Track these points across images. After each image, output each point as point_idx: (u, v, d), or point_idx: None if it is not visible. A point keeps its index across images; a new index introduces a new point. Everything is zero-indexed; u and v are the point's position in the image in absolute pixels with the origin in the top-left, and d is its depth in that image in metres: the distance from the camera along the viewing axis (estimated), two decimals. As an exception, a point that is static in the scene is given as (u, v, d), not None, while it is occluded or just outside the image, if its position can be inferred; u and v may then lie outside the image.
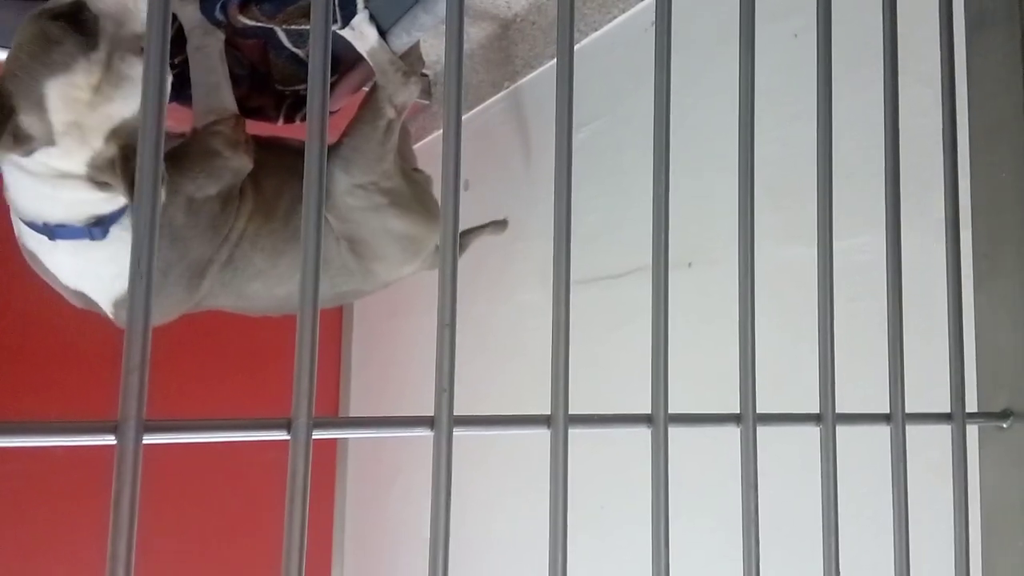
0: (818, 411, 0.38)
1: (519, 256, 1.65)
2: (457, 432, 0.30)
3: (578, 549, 1.34)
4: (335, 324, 2.41)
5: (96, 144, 0.97)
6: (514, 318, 1.65)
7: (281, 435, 0.27)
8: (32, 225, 1.03)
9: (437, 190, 1.42)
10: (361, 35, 1.20)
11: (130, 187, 1.01)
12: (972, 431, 0.45)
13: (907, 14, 0.60)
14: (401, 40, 1.31)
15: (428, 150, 2.06)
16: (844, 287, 0.92)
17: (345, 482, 2.37)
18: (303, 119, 1.51)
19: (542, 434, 0.33)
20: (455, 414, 0.31)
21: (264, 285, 1.22)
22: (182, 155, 1.12)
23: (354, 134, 1.23)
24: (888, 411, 0.40)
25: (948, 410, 0.43)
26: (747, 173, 0.40)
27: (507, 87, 1.74)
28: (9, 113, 0.91)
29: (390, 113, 1.24)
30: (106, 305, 1.12)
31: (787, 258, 1.05)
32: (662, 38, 0.40)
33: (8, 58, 0.94)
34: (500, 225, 1.63)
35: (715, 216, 1.17)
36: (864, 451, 0.73)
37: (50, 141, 0.94)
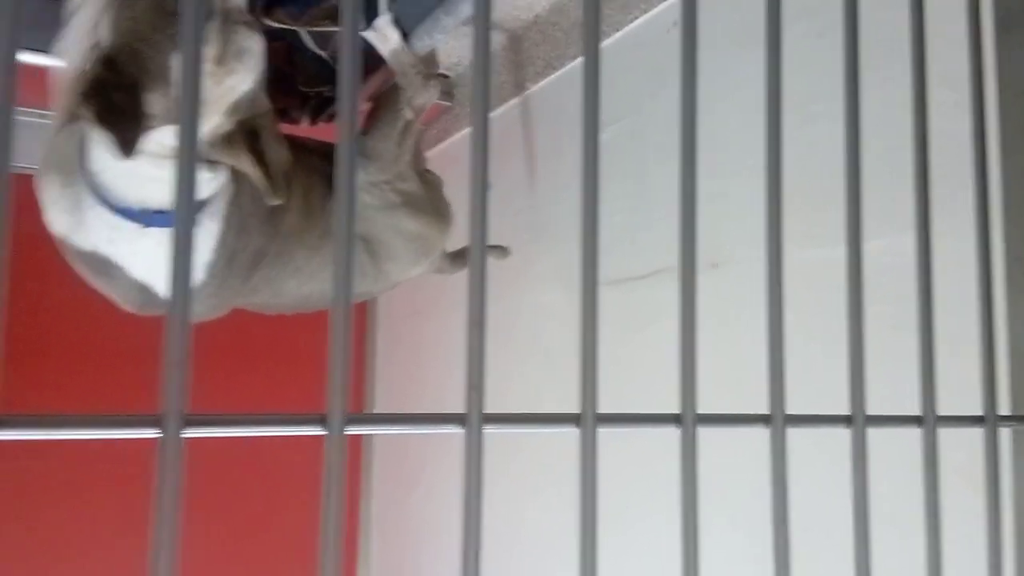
0: (848, 412, 0.38)
1: (538, 257, 1.65)
2: (486, 430, 0.31)
3: (603, 549, 1.34)
4: (359, 323, 2.44)
5: (216, 120, 0.93)
6: (533, 319, 1.65)
7: (316, 430, 0.28)
8: (125, 212, 0.98)
9: (447, 192, 1.43)
10: (384, 37, 1.21)
11: (259, 160, 0.97)
12: (1003, 434, 0.45)
13: (934, 15, 0.60)
14: (423, 42, 1.32)
15: (449, 152, 2.07)
16: (870, 289, 0.91)
17: (371, 479, 2.39)
18: (327, 120, 1.53)
19: (570, 433, 0.33)
20: (484, 412, 0.31)
21: (297, 282, 1.22)
22: None
23: (372, 133, 1.24)
24: (919, 413, 0.39)
25: (980, 413, 0.43)
26: (775, 174, 0.40)
27: (529, 88, 1.74)
28: (137, 90, 0.87)
29: (408, 114, 1.25)
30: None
31: (810, 261, 1.04)
32: (689, 37, 0.40)
33: (121, 33, 0.89)
34: (503, 251, 1.63)
35: (740, 218, 1.17)
36: (889, 455, 0.73)
37: (171, 118, 0.90)
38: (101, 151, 0.94)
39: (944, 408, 0.41)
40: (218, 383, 2.11)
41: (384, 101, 1.28)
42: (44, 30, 1.07)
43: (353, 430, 0.28)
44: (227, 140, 0.97)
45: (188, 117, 0.26)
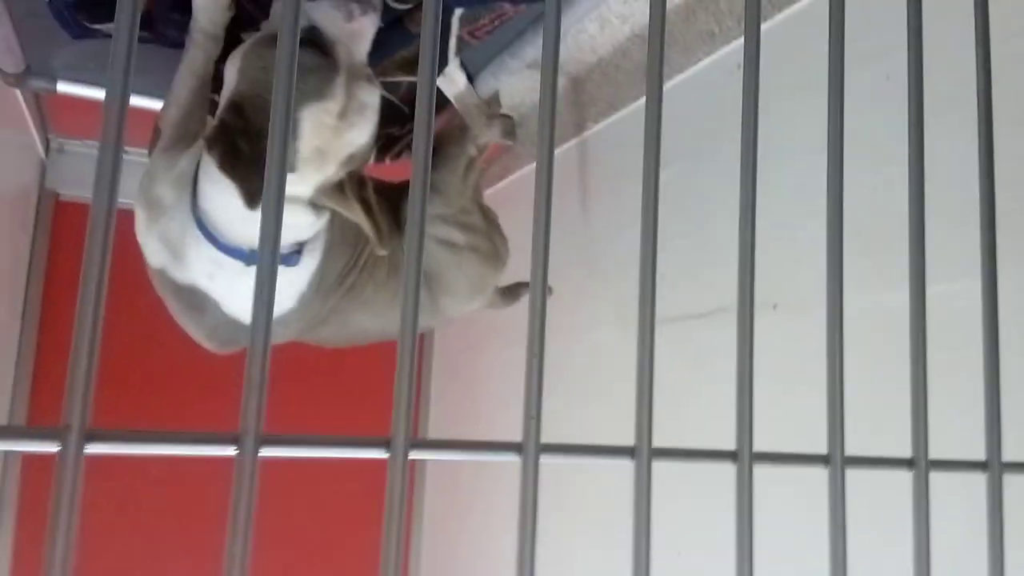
0: (910, 456, 0.37)
1: (595, 294, 1.65)
2: (543, 459, 0.31)
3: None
4: (416, 355, 2.48)
5: (331, 170, 0.96)
6: (590, 356, 1.65)
7: (380, 453, 0.29)
8: (231, 251, 1.00)
9: (504, 228, 1.44)
10: (452, 81, 1.26)
11: (368, 210, 1.00)
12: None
13: (1002, 56, 0.59)
14: (488, 84, 1.36)
15: (510, 190, 2.11)
16: (943, 332, 0.89)
17: (422, 508, 2.41)
18: (392, 159, 1.57)
19: (625, 466, 0.33)
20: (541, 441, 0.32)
21: (363, 316, 1.22)
22: None
23: (439, 168, 1.28)
24: (984, 458, 0.38)
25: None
26: (836, 217, 0.40)
27: (590, 128, 1.76)
28: (262, 138, 0.85)
29: (472, 151, 1.29)
30: None
31: (878, 303, 1.02)
32: (751, 80, 0.41)
33: (251, 82, 0.91)
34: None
35: (803, 260, 1.15)
36: (950, 500, 0.70)
37: (291, 167, 0.91)
38: (214, 191, 0.96)
39: (1007, 454, 0.40)
40: (272, 408, 2.16)
41: (449, 138, 1.32)
42: (152, 76, 1.13)
43: (416, 455, 0.29)
44: (338, 189, 0.99)
45: (277, 163, 0.29)
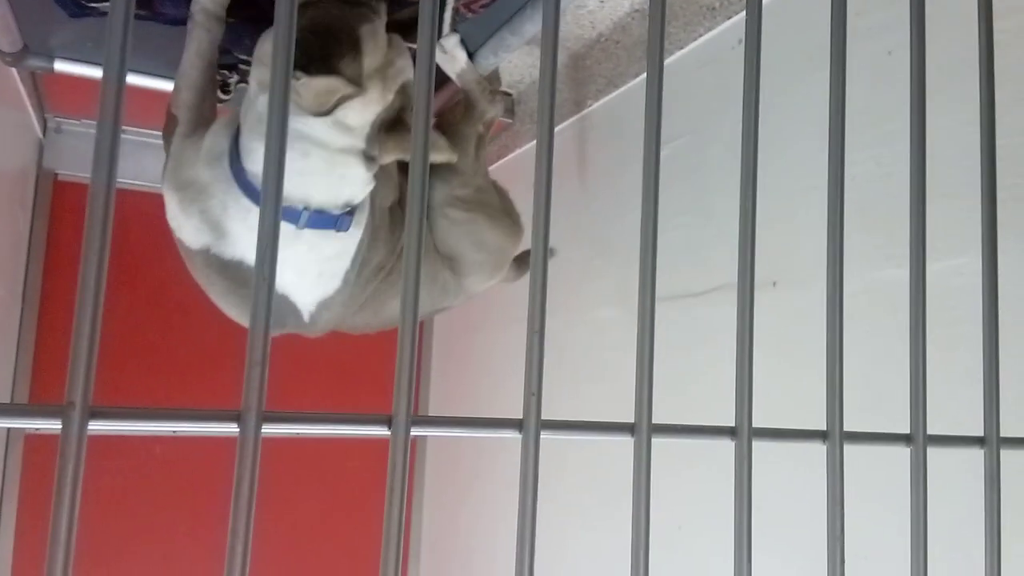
0: (908, 431, 0.37)
1: (598, 272, 1.65)
2: (543, 435, 0.32)
3: (654, 569, 1.32)
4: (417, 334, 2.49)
5: (389, 97, 0.98)
6: (592, 334, 1.65)
7: (382, 431, 0.29)
8: (284, 211, 0.97)
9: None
10: (452, 58, 1.24)
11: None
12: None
13: (1004, 32, 0.59)
14: (488, 61, 1.35)
15: (510, 167, 2.10)
16: (942, 309, 0.89)
17: (423, 488, 2.43)
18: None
19: (625, 442, 0.33)
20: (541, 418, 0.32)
21: (398, 301, 1.22)
22: None
23: (453, 148, 1.28)
24: (982, 434, 0.39)
25: (1048, 438, 0.42)
26: (837, 191, 0.40)
27: (590, 105, 1.75)
28: (330, 60, 0.91)
29: (480, 129, 1.29)
30: (306, 305, 1.08)
31: (881, 279, 1.02)
32: (752, 55, 0.41)
33: (309, 19, 0.94)
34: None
35: (803, 237, 1.15)
36: (949, 476, 0.70)
37: (358, 82, 0.93)
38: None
39: (1005, 430, 0.40)
40: (274, 387, 2.17)
41: (456, 117, 1.31)
42: (149, 54, 1.12)
43: (417, 431, 0.30)
44: (392, 128, 1.01)
45: (276, 131, 0.29)
